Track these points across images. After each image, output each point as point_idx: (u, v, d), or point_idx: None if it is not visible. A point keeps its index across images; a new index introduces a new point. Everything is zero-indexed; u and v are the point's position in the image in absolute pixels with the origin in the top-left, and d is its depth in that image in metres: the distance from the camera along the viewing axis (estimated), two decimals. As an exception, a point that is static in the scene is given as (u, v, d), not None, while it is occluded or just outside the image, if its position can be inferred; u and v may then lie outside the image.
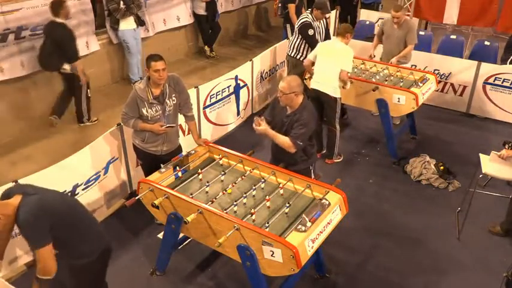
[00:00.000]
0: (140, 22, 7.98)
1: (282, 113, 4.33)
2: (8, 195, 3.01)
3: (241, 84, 6.84)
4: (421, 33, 8.34)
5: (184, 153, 4.46)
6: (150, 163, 4.54)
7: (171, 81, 4.38)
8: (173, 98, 4.40)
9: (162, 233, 4.41)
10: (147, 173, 4.44)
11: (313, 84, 5.92)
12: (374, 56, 7.09)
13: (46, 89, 6.95)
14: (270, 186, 4.09)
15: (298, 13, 8.08)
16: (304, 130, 4.17)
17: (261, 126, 4.21)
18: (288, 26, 8.37)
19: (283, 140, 4.19)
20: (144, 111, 4.33)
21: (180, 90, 4.46)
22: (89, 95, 6.72)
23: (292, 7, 8.23)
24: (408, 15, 8.92)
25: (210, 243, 3.80)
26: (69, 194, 4.51)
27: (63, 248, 3.13)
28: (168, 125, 4.40)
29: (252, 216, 3.66)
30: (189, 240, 4.50)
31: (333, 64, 5.73)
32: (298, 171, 4.20)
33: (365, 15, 9.74)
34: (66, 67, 6.39)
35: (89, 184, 4.74)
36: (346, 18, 10.03)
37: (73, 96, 6.67)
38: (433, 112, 7.45)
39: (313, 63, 6.00)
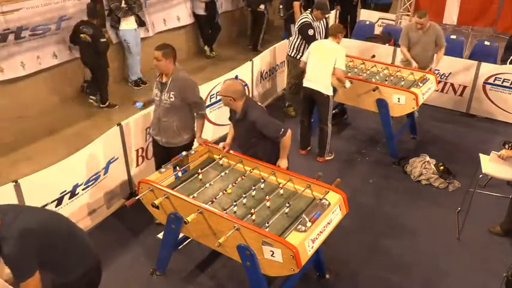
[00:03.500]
0: (140, 23, 7.99)
1: (234, 116, 4.44)
2: None
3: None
4: (421, 33, 8.33)
5: (184, 153, 4.46)
6: (156, 152, 4.82)
7: (176, 80, 4.42)
8: (171, 95, 4.43)
9: (162, 233, 4.41)
10: (156, 162, 4.83)
11: (305, 82, 5.96)
12: (417, 65, 6.85)
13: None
14: (270, 186, 4.10)
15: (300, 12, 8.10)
16: (270, 124, 4.25)
17: (282, 165, 4.31)
18: (292, 26, 8.37)
19: (286, 144, 4.28)
20: (154, 86, 4.61)
21: (184, 94, 4.45)
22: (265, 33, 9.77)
23: (297, 5, 8.24)
24: (408, 15, 8.93)
25: (210, 243, 3.80)
26: (68, 194, 4.52)
27: (46, 267, 2.96)
28: (138, 105, 4.69)
29: (252, 216, 3.65)
30: (189, 240, 4.50)
31: (324, 62, 5.75)
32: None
33: (365, 15, 9.74)
34: (262, 7, 9.46)
35: (89, 184, 4.74)
36: (346, 18, 10.03)
37: (256, 28, 9.77)
38: (433, 112, 7.45)
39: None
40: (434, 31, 6.67)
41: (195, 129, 4.72)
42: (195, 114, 4.70)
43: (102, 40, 6.85)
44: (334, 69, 5.72)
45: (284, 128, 4.21)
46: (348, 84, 5.87)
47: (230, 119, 4.58)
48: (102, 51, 6.92)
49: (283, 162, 4.31)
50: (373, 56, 7.06)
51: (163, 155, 4.67)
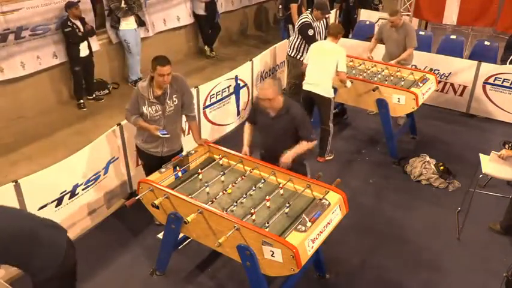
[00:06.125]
0: (140, 22, 8.00)
1: (264, 116, 4.34)
2: None
3: (241, 84, 6.84)
4: (421, 33, 8.33)
5: (184, 153, 4.45)
6: (151, 164, 4.49)
7: (173, 81, 4.33)
8: (174, 99, 4.37)
9: (162, 233, 4.41)
10: (149, 174, 4.38)
11: (306, 86, 5.92)
12: (372, 57, 7.06)
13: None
14: (269, 186, 4.09)
15: (299, 13, 8.11)
16: (308, 123, 4.33)
17: (284, 160, 4.24)
18: (290, 26, 8.39)
19: (305, 147, 4.29)
20: (144, 109, 4.33)
21: (184, 92, 4.42)
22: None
23: (294, 7, 8.26)
24: (408, 15, 8.93)
25: (210, 243, 3.80)
26: (68, 194, 4.52)
27: (17, 265, 3.03)
28: (162, 134, 4.34)
29: (252, 216, 3.65)
30: (189, 240, 4.50)
31: (325, 64, 5.73)
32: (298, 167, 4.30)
33: (365, 15, 9.74)
34: None
35: (89, 184, 4.74)
36: (346, 18, 10.04)
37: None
38: (433, 112, 7.45)
39: None
40: (404, 30, 6.72)
41: (192, 132, 4.69)
42: (186, 117, 4.63)
43: (66, 30, 6.82)
44: (337, 72, 5.72)
45: (313, 136, 4.32)
46: (349, 83, 5.88)
47: (252, 121, 4.53)
48: (66, 40, 6.96)
49: (289, 155, 4.23)
50: (371, 56, 7.07)
51: (159, 166, 4.31)
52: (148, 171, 4.49)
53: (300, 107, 4.42)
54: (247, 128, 4.62)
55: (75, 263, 3.23)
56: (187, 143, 4.98)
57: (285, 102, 4.26)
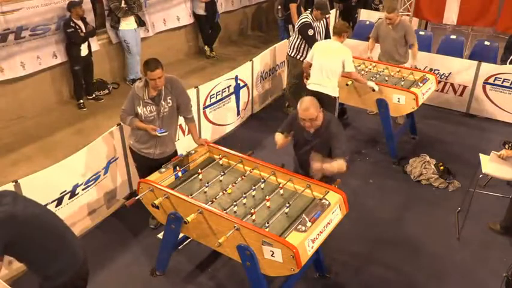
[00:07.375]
0: (140, 23, 8.00)
1: (302, 132, 4.21)
2: None
3: (241, 84, 6.84)
4: (421, 33, 8.34)
5: (184, 153, 4.45)
6: (143, 166, 4.48)
7: (168, 83, 4.31)
8: (168, 101, 4.34)
9: (162, 233, 4.41)
10: (142, 176, 4.36)
11: (312, 86, 5.87)
12: (372, 57, 7.07)
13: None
14: (270, 186, 4.09)
15: (299, 13, 8.11)
16: (346, 144, 4.11)
17: (316, 165, 4.01)
18: (290, 26, 8.40)
19: (340, 166, 3.94)
20: (138, 109, 4.32)
21: (178, 94, 4.39)
22: None
23: (293, 7, 8.27)
24: (408, 15, 8.94)
25: (210, 243, 3.80)
26: (68, 193, 4.52)
27: (32, 266, 2.99)
28: (160, 133, 4.30)
29: (252, 216, 3.66)
30: (189, 240, 4.50)
31: (331, 64, 5.70)
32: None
33: (365, 15, 9.74)
34: None
35: (89, 184, 4.74)
36: (346, 18, 10.04)
37: None
38: (433, 112, 7.46)
39: (311, 65, 5.99)
40: (402, 27, 6.72)
41: (191, 133, 4.67)
42: (184, 118, 4.60)
43: (68, 30, 6.81)
44: (347, 73, 5.72)
45: (348, 158, 4.03)
46: (373, 85, 5.88)
47: (285, 131, 4.36)
48: (68, 40, 6.96)
49: (319, 165, 4.01)
50: (371, 56, 7.07)
51: (152, 168, 4.29)
52: (141, 174, 4.46)
53: (339, 122, 4.24)
54: (279, 135, 4.40)
55: (87, 272, 3.23)
56: (187, 143, 4.98)
57: (325, 118, 4.13)
